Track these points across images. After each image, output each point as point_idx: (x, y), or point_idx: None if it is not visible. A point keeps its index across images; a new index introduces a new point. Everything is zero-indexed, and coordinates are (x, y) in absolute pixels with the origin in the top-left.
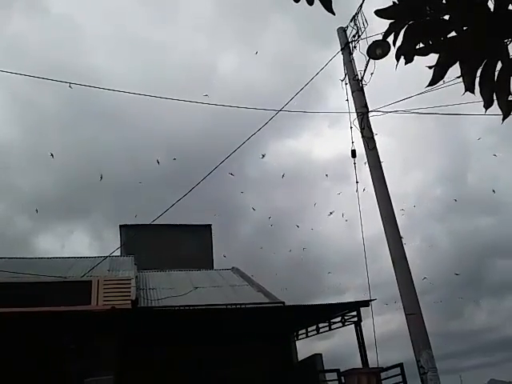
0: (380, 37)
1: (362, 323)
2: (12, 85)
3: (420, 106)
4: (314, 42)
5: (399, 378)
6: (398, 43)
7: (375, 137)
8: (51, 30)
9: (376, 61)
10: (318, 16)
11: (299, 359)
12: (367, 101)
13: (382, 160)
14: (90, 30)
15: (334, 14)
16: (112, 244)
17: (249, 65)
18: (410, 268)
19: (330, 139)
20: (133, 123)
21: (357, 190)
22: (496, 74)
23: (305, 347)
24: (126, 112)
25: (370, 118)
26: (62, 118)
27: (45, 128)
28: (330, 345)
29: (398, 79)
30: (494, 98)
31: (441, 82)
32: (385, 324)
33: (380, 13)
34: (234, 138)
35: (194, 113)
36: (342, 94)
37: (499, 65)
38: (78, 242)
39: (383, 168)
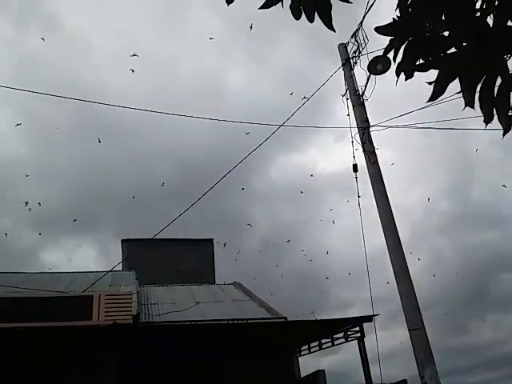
0: (381, 52)
1: (365, 339)
2: (20, 99)
3: (423, 120)
4: (323, 58)
5: None
6: (399, 59)
7: (377, 151)
8: (63, 46)
9: (378, 76)
10: (324, 32)
11: (302, 375)
12: (369, 115)
13: (384, 174)
14: (100, 45)
15: (334, 30)
16: (115, 258)
17: (257, 80)
18: (413, 282)
19: (335, 153)
20: (139, 138)
21: (359, 204)
22: (496, 89)
23: (309, 363)
24: (133, 127)
25: (372, 133)
26: (69, 132)
27: (52, 142)
28: (335, 361)
29: (401, 93)
30: (494, 113)
31: (442, 97)
32: (389, 339)
33: (380, 29)
34: (239, 153)
35: (201, 128)
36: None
37: (499, 80)
38: (85, 256)
39: (385, 182)
